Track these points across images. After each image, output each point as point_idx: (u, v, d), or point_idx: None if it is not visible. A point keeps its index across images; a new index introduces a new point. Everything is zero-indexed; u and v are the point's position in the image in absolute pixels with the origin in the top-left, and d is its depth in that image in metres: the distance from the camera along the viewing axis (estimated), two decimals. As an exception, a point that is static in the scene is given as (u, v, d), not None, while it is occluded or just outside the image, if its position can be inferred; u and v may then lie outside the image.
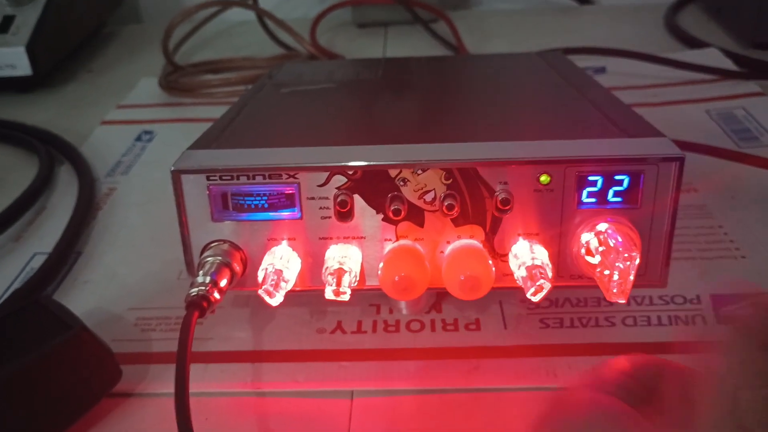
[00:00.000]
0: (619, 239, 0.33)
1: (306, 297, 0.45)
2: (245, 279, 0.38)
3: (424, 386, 0.39)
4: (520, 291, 0.42)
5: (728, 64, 0.75)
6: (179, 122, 0.73)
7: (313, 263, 0.37)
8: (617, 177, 0.35)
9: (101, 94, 0.82)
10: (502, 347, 0.41)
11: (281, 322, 0.44)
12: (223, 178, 0.36)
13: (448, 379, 0.39)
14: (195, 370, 0.40)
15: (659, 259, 0.36)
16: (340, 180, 0.36)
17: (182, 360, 0.31)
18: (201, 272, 0.35)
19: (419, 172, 0.35)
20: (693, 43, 0.82)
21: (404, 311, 0.43)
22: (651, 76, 0.75)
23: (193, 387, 0.38)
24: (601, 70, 0.78)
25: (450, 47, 0.89)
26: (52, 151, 0.66)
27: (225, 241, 0.37)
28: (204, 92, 0.77)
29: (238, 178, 0.36)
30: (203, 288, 0.34)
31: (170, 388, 0.32)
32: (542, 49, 0.79)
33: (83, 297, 0.47)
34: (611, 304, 0.43)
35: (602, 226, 0.35)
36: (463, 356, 0.40)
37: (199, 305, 0.33)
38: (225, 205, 0.36)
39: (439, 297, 0.44)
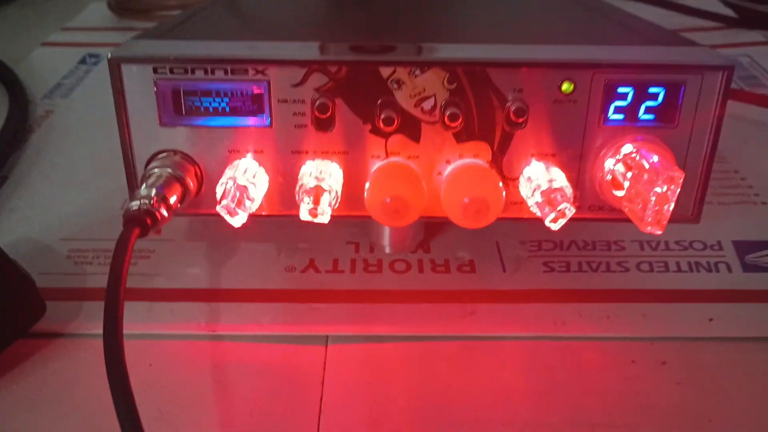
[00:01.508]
0: (655, 159, 0.28)
1: (273, 231, 0.39)
2: (200, 200, 0.31)
3: (411, 332, 0.33)
4: (524, 227, 0.37)
5: (731, 14, 0.71)
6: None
7: (283, 183, 0.31)
8: (652, 89, 0.30)
9: (45, 16, 0.73)
10: (501, 291, 0.35)
11: (243, 258, 0.37)
12: (175, 71, 0.29)
13: (438, 325, 0.33)
14: (138, 309, 0.34)
15: (694, 191, 0.31)
16: (320, 79, 0.29)
17: (115, 286, 0.24)
18: (145, 185, 0.28)
19: (417, 72, 0.29)
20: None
21: (387, 249, 0.38)
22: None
23: (136, 328, 0.33)
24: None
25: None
26: (-19, 68, 0.57)
27: (176, 152, 0.30)
28: (159, 15, 0.69)
29: (192, 72, 0.29)
30: (147, 201, 0.27)
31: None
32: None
33: (8, 225, 0.40)
34: (622, 248, 0.38)
35: (632, 146, 0.29)
36: (457, 300, 0.35)
37: (140, 221, 0.27)
38: (176, 106, 0.30)
39: (427, 234, 0.38)
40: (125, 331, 0.32)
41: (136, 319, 0.33)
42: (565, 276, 0.36)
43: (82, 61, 0.61)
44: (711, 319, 0.34)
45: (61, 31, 0.69)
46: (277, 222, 0.32)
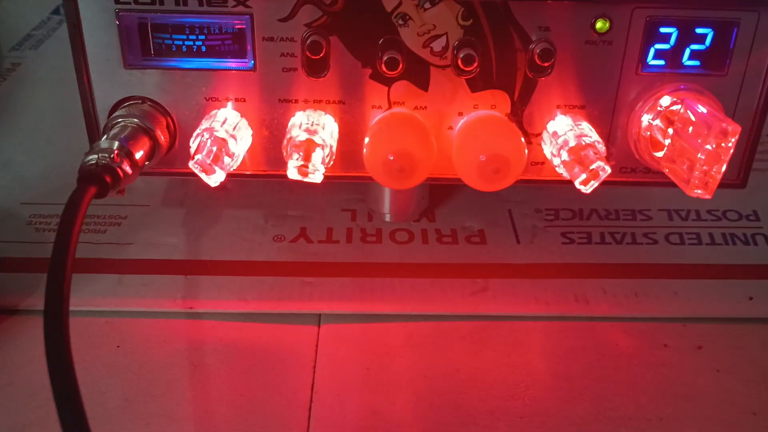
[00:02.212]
0: (704, 110, 0.24)
1: (260, 195, 0.35)
2: (174, 156, 0.27)
3: (415, 311, 0.29)
4: (539, 193, 0.33)
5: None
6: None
7: (269, 137, 0.27)
8: (699, 30, 0.25)
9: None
10: (515, 265, 0.31)
11: (226, 226, 0.33)
12: (140, 1, 0.24)
13: (445, 302, 0.29)
14: (105, 282, 0.30)
15: (742, 150, 0.27)
16: (312, 13, 0.25)
17: (61, 255, 0.20)
18: (106, 136, 0.24)
19: (427, 5, 0.25)
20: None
21: (387, 218, 0.34)
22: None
23: (102, 303, 0.29)
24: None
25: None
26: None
27: (144, 99, 0.26)
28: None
29: (161, 2, 0.24)
30: (106, 155, 0.23)
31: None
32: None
33: (-39, 187, 0.36)
34: (649, 217, 0.34)
35: (676, 95, 0.25)
36: (466, 275, 0.31)
37: (97, 178, 0.22)
38: (144, 45, 0.25)
39: (432, 201, 0.34)
40: (89, 308, 0.29)
41: (102, 294, 0.29)
42: (586, 248, 0.32)
43: (55, 11, 0.56)
44: (751, 298, 0.30)
45: (34, -18, 0.64)
46: (263, 183, 0.28)
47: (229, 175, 0.25)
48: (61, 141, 0.40)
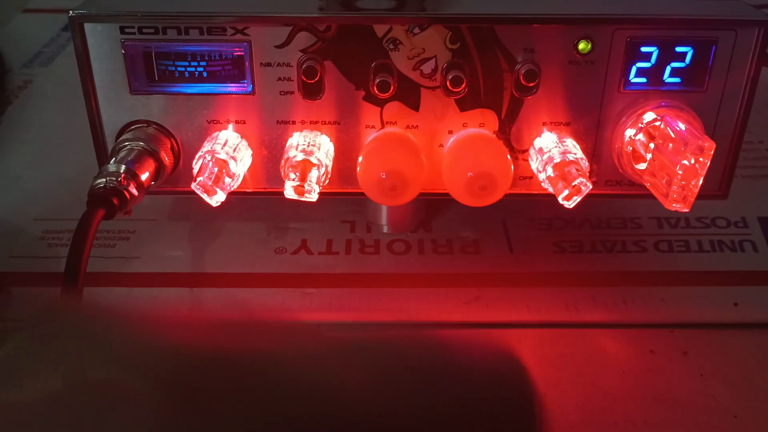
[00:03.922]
0: (682, 126, 0.25)
1: (262, 209, 0.36)
2: (178, 176, 0.28)
3: (411, 319, 0.30)
4: (533, 204, 0.34)
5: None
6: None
7: (268, 156, 0.28)
8: (678, 48, 0.26)
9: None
10: (509, 274, 0.32)
11: (230, 240, 0.34)
12: (144, 30, 0.26)
13: (441, 311, 0.31)
14: (116, 295, 0.31)
15: (723, 163, 0.28)
16: (307, 39, 0.26)
17: (73, 275, 0.21)
18: (114, 159, 0.26)
19: (416, 31, 0.26)
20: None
21: (385, 229, 0.35)
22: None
23: (109, 316, 0.30)
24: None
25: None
26: (-44, 36, 0.54)
27: (150, 123, 0.27)
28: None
29: (164, 32, 0.26)
30: (114, 179, 0.24)
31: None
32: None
33: (-23, 204, 0.37)
34: (639, 226, 0.35)
35: (657, 113, 0.26)
36: (461, 284, 0.32)
37: (105, 201, 0.24)
38: (148, 71, 0.27)
39: (428, 212, 0.36)
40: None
41: (113, 306, 0.30)
42: (577, 257, 0.33)
43: (65, 28, 0.58)
44: (736, 304, 0.31)
45: (44, -2, 0.65)
46: (264, 200, 0.29)
47: (231, 194, 0.26)
48: (72, 157, 0.41)
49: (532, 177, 0.28)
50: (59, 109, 0.46)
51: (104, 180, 0.24)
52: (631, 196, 0.29)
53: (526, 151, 0.28)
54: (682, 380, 0.28)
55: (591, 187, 0.25)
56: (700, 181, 0.24)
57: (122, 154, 0.26)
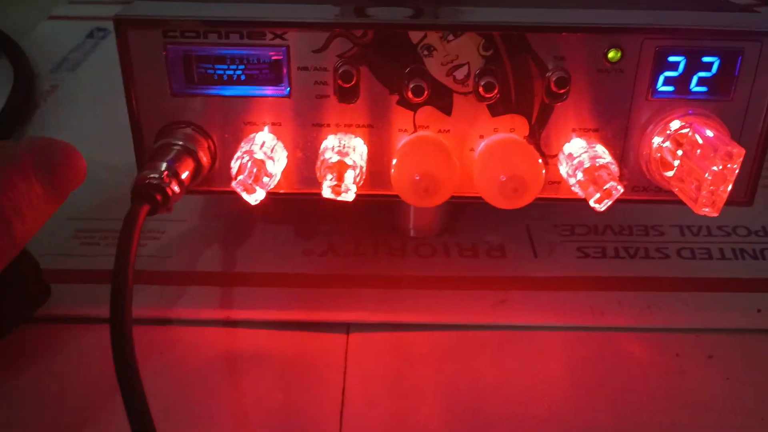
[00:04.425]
0: (710, 133, 0.25)
1: (291, 212, 0.37)
2: (213, 176, 0.29)
3: (438, 320, 0.31)
4: (555, 210, 0.35)
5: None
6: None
7: (302, 158, 0.29)
8: (705, 59, 0.27)
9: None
10: (534, 278, 0.33)
11: (259, 240, 0.35)
12: (186, 34, 0.27)
13: (468, 313, 0.31)
14: (148, 292, 0.32)
15: (748, 171, 0.29)
16: (343, 45, 0.27)
17: (123, 266, 0.22)
18: (155, 159, 0.26)
19: (450, 38, 0.27)
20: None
21: (411, 233, 0.35)
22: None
23: (146, 313, 0.31)
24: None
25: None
26: (-15, 42, 0.55)
27: (188, 124, 0.28)
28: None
29: (205, 36, 0.27)
30: (157, 176, 0.25)
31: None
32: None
33: (10, 204, 0.38)
34: (661, 233, 0.36)
35: (684, 120, 0.27)
36: (487, 287, 0.32)
37: (150, 197, 0.24)
38: (188, 74, 0.27)
39: (453, 217, 0.36)
40: (134, 316, 0.31)
41: (146, 304, 0.31)
42: (601, 262, 0.34)
43: (90, 35, 0.59)
44: (759, 310, 0.31)
45: (69, 4, 0.66)
46: (296, 201, 0.30)
47: (267, 194, 0.27)
48: (101, 159, 0.42)
49: (560, 182, 0.29)
50: (87, 113, 0.47)
51: (148, 177, 0.25)
52: (659, 202, 0.29)
53: (556, 156, 0.28)
54: (708, 383, 0.28)
55: (622, 190, 0.25)
56: (729, 187, 0.25)
57: (162, 153, 0.27)
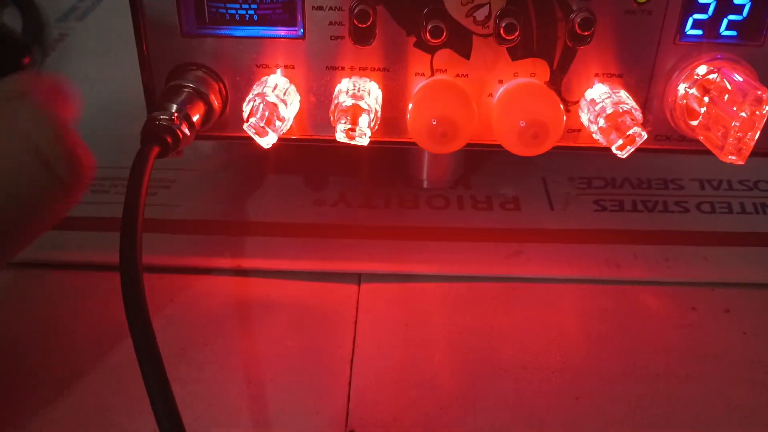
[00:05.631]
0: (739, 78, 0.24)
1: (301, 161, 0.36)
2: (225, 121, 0.28)
3: (451, 272, 0.30)
4: (572, 162, 0.34)
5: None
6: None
7: (316, 102, 0.28)
8: (736, 1, 0.26)
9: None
10: (550, 230, 0.32)
11: (269, 190, 0.35)
12: (197, -29, 0.26)
13: (481, 264, 0.31)
14: (158, 240, 0.32)
15: (776, 118, 0.27)
16: (360, -17, 0.26)
17: (133, 207, 0.22)
18: (165, 100, 0.26)
19: (471, -24, 0.25)
20: None
21: (425, 184, 0.35)
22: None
23: (156, 260, 0.30)
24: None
25: None
26: (-9, -11, 0.54)
27: (199, 66, 0.27)
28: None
29: (217, -27, 0.26)
30: (167, 118, 0.24)
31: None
32: None
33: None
34: (681, 187, 0.35)
35: (713, 65, 0.26)
36: (501, 239, 0.32)
37: (160, 139, 0.24)
38: (199, 14, 0.27)
39: (467, 169, 0.35)
40: (144, 263, 0.31)
41: (156, 251, 0.31)
42: (618, 215, 0.33)
43: (97, -16, 0.58)
44: (779, 265, 0.31)
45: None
46: (307, 149, 0.29)
47: (279, 138, 0.27)
48: (109, 107, 0.41)
49: (580, 130, 0.28)
50: (96, 61, 0.46)
51: (157, 118, 0.24)
52: (682, 152, 0.28)
53: (577, 102, 0.28)
54: (724, 337, 0.28)
55: (646, 136, 0.25)
56: (757, 135, 0.24)
57: (173, 95, 0.26)
